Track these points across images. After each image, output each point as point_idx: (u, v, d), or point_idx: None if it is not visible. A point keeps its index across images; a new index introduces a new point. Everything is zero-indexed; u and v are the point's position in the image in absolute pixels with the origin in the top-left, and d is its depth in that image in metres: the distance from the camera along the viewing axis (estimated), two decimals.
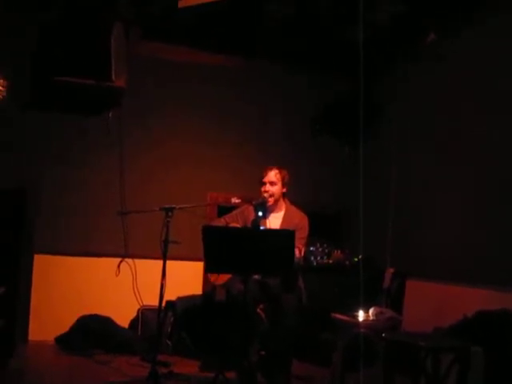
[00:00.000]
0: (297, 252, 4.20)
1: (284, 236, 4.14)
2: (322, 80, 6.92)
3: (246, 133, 6.77)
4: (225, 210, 5.42)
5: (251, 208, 4.81)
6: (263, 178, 4.74)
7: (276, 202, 4.76)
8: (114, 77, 5.57)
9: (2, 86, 5.66)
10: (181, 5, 5.35)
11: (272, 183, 4.73)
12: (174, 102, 6.56)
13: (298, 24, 5.97)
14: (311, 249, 4.15)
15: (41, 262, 6.01)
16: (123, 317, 6.07)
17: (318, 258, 4.11)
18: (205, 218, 6.18)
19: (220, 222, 4.91)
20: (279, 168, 4.77)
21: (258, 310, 4.70)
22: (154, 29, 6.19)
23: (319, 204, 6.77)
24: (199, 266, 6.35)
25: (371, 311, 4.79)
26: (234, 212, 4.93)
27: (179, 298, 6.08)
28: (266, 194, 4.73)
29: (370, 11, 5.51)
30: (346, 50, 6.11)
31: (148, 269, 5.81)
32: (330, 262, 4.17)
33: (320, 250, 4.11)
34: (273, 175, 4.73)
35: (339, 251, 4.21)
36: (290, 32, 6.15)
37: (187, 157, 6.57)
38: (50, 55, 5.51)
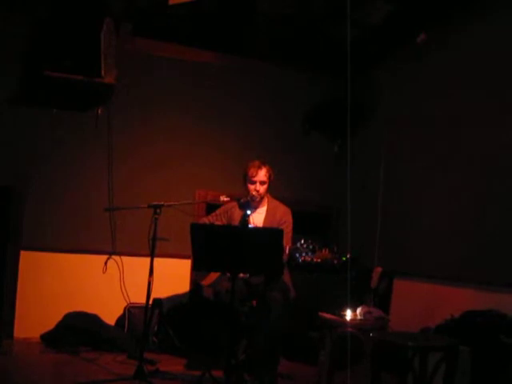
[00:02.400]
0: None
1: (272, 234, 4.14)
2: (312, 78, 6.93)
3: (235, 131, 6.75)
4: (213, 207, 5.41)
5: (235, 206, 4.80)
6: (253, 176, 4.72)
7: (261, 199, 4.77)
8: (103, 73, 5.56)
9: None
10: (172, 2, 5.33)
11: (262, 182, 4.73)
12: (163, 99, 6.53)
13: (288, 22, 5.97)
14: (296, 245, 4.16)
15: (27, 258, 5.96)
16: (110, 314, 6.03)
17: (304, 255, 4.11)
18: (193, 216, 6.16)
19: (204, 222, 4.91)
20: (267, 166, 4.76)
21: (245, 307, 4.70)
22: (145, 25, 6.16)
23: (308, 203, 6.78)
24: (187, 263, 6.35)
25: (359, 310, 4.79)
26: (218, 211, 4.92)
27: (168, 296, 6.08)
28: (255, 193, 4.72)
29: (360, 10, 5.53)
30: (335, 48, 6.13)
31: (135, 266, 5.81)
32: (319, 260, 4.18)
33: (305, 245, 4.12)
34: (263, 174, 4.72)
35: (327, 250, 4.22)
36: (281, 30, 6.15)
37: (176, 154, 6.55)
38: (39, 51, 5.49)
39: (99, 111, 6.06)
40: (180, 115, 6.59)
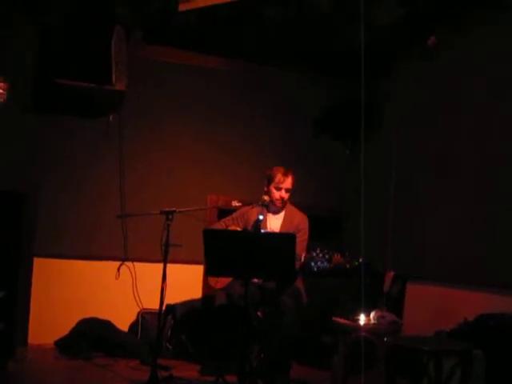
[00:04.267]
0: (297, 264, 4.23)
1: (285, 239, 4.14)
2: (320, 82, 6.92)
3: (244, 135, 6.76)
4: (225, 212, 5.42)
5: (252, 210, 4.80)
6: (280, 183, 4.71)
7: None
8: (114, 80, 5.59)
9: (3, 89, 5.66)
10: (181, 8, 5.35)
11: (288, 190, 4.73)
12: (173, 104, 6.55)
13: (295, 26, 5.97)
14: (312, 254, 4.15)
15: (40, 265, 5.99)
16: (123, 320, 6.05)
17: (319, 264, 4.11)
18: (205, 221, 6.18)
19: (220, 226, 4.91)
20: (292, 173, 4.76)
21: (258, 313, 4.69)
22: (154, 32, 6.19)
23: (319, 207, 6.77)
24: (199, 269, 6.34)
25: (372, 315, 4.78)
26: (234, 214, 4.92)
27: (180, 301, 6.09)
28: (279, 201, 4.73)
29: (370, 14, 5.52)
30: (346, 51, 6.12)
31: (148, 272, 5.81)
32: (331, 265, 4.18)
33: (320, 255, 4.12)
34: (289, 182, 4.73)
35: (339, 255, 4.22)
36: (290, 34, 6.15)
37: (187, 159, 6.56)
38: (51, 58, 5.52)
39: (110, 118, 6.08)
40: (190, 120, 6.61)
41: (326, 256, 4.12)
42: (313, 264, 4.13)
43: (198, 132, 6.63)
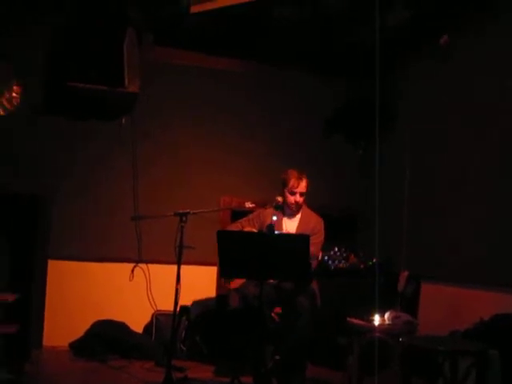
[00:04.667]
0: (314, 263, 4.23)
1: (299, 241, 4.14)
2: (334, 82, 6.89)
3: (256, 136, 6.75)
4: (238, 214, 5.41)
5: (267, 212, 4.80)
6: (294, 187, 4.70)
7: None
8: (127, 83, 5.61)
9: (17, 93, 5.70)
10: (193, 10, 5.36)
11: (302, 194, 4.73)
12: (184, 106, 6.56)
13: (305, 26, 5.96)
14: (330, 253, 4.15)
15: (55, 267, 6.02)
16: (137, 322, 6.07)
17: (336, 262, 4.11)
18: (219, 223, 6.19)
19: (236, 227, 4.91)
20: (306, 177, 4.75)
21: (272, 314, 4.69)
22: (166, 34, 6.20)
23: (333, 207, 6.75)
24: (212, 270, 6.36)
25: (387, 315, 4.76)
26: (250, 216, 4.92)
27: (194, 302, 6.09)
28: (293, 205, 4.73)
29: (382, 13, 5.51)
30: (358, 52, 6.11)
31: (161, 274, 5.82)
32: (347, 264, 4.17)
33: (338, 254, 4.12)
34: (304, 186, 4.73)
35: (353, 255, 4.21)
36: (298, 34, 6.14)
37: (199, 161, 6.57)
38: (63, 61, 5.55)
39: (123, 121, 6.10)
40: (201, 122, 6.61)
41: (344, 255, 4.12)
42: (330, 262, 4.13)
43: (209, 134, 6.63)
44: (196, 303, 6.10)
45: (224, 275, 4.55)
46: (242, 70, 6.78)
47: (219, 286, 6.37)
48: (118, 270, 6.00)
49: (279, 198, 4.75)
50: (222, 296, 6.17)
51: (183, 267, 4.71)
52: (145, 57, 6.03)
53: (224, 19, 5.79)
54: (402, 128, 6.42)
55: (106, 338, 5.75)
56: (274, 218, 4.52)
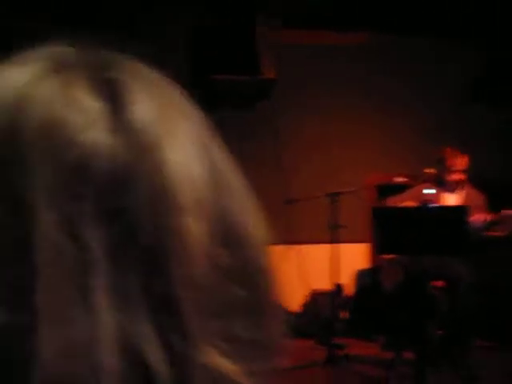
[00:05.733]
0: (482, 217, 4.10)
1: (457, 212, 4.04)
2: (467, 50, 6.55)
3: (393, 110, 6.58)
4: (386, 189, 5.35)
5: (423, 186, 4.68)
6: (452, 166, 4.54)
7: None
8: (263, 69, 5.71)
9: None
10: None
11: (463, 171, 4.57)
12: (317, 85, 6.51)
13: None
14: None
15: None
16: (293, 301, 6.20)
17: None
18: (366, 200, 6.12)
19: (394, 202, 4.80)
20: (465, 154, 4.57)
21: (435, 289, 4.62)
22: (293, 16, 6.20)
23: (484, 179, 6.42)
24: (363, 247, 6.35)
25: None
26: (410, 190, 4.80)
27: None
28: (455, 183, 4.57)
29: None
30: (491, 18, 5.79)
31: (314, 254, 5.90)
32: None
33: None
34: (465, 163, 4.55)
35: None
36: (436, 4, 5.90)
37: (341, 138, 6.54)
38: (204, 55, 5.75)
39: (263, 107, 6.22)
40: (342, 100, 6.57)
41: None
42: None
43: (350, 108, 6.57)
44: (350, 280, 6.14)
45: (382, 251, 4.52)
46: (375, 44, 6.64)
47: (373, 263, 6.33)
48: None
49: (428, 171, 4.61)
50: (376, 268, 6.12)
51: (335, 246, 4.76)
52: (275, 41, 6.08)
53: None
54: None
55: None
56: (431, 191, 4.41)
